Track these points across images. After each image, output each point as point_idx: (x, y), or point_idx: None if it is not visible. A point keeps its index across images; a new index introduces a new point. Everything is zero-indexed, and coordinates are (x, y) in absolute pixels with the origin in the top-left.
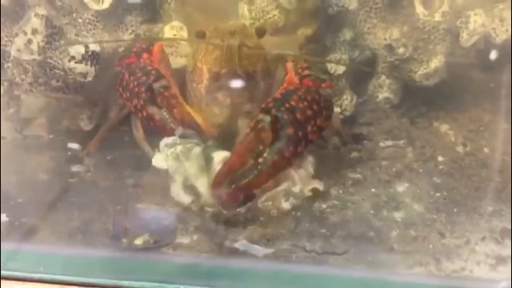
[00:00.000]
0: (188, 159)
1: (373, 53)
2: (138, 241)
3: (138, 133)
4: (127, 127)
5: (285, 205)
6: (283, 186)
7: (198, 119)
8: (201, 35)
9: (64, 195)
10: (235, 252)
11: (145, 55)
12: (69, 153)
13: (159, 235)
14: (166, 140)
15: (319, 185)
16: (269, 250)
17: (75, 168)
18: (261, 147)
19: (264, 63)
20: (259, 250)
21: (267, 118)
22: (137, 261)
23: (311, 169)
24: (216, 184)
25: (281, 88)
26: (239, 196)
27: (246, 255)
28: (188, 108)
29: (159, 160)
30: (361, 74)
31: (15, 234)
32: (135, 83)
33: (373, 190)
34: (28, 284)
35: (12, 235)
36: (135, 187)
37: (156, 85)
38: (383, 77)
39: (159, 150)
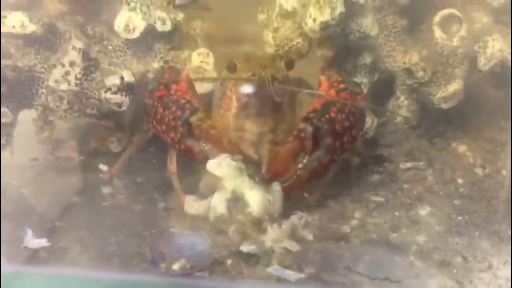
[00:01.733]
0: (244, 174)
1: (392, 75)
2: (176, 266)
3: (171, 166)
4: (155, 148)
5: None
6: None
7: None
8: (232, 67)
9: (98, 218)
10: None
11: (174, 87)
12: (100, 175)
13: (194, 260)
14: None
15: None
16: (301, 275)
17: (106, 190)
18: (302, 154)
19: (291, 93)
20: (291, 275)
21: (309, 128)
22: (175, 285)
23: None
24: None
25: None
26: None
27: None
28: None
29: (215, 167)
30: (379, 95)
31: (55, 258)
32: (171, 117)
33: (396, 213)
34: None
35: (52, 260)
36: (166, 211)
37: (192, 119)
38: (402, 97)
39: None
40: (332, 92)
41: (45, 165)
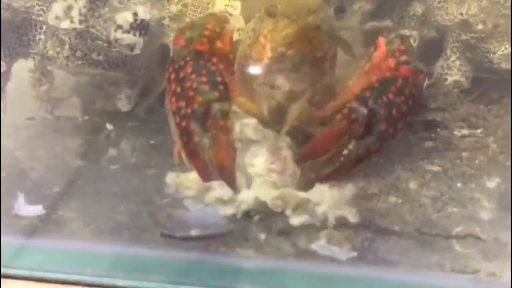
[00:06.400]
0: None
1: (442, 30)
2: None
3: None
4: None
5: None
6: None
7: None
8: (271, 11)
9: (104, 184)
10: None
11: (218, 43)
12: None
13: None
14: None
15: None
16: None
17: (114, 153)
18: (346, 138)
19: (335, 47)
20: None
21: (363, 110)
22: (195, 261)
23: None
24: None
25: (375, 71)
26: (315, 183)
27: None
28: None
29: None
30: (427, 54)
31: (53, 229)
32: (194, 85)
33: (458, 185)
34: None
35: (50, 231)
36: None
37: (216, 107)
38: (453, 57)
39: None
40: (391, 62)
41: (42, 125)
